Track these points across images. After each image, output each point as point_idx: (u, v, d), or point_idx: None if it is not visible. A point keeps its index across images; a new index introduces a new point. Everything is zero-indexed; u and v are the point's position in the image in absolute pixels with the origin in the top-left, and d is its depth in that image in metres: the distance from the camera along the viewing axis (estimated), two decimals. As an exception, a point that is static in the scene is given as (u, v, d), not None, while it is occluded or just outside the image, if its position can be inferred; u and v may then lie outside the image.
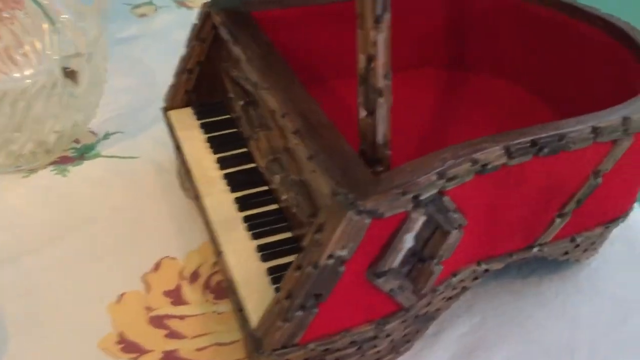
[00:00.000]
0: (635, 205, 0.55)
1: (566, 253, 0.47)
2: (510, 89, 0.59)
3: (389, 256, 0.36)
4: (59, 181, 0.58)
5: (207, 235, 0.46)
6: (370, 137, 0.37)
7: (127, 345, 0.44)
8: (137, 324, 0.45)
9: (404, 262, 0.37)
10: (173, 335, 0.44)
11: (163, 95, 0.57)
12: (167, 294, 0.47)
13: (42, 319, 0.46)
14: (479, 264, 0.43)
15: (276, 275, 0.41)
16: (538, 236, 0.44)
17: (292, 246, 0.43)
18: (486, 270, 0.44)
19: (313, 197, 0.40)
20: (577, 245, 0.46)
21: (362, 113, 0.37)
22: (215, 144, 0.52)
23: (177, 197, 0.56)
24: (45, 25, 0.57)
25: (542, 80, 0.57)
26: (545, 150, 0.38)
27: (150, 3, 0.91)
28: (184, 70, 0.55)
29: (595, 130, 0.39)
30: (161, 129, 0.57)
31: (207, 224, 0.46)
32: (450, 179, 0.36)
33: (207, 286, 0.48)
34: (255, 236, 0.44)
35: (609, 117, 0.40)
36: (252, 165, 0.50)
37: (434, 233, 0.38)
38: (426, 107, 0.58)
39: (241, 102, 0.52)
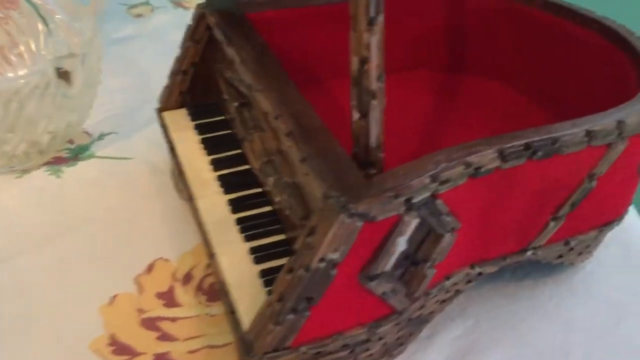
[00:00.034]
0: (630, 208, 0.55)
1: (560, 256, 0.47)
2: (505, 91, 0.58)
3: (381, 259, 0.35)
4: (53, 182, 0.57)
5: (200, 236, 0.46)
6: (363, 139, 0.37)
7: (118, 347, 0.43)
8: (129, 325, 0.45)
9: (396, 265, 0.37)
10: (165, 337, 0.44)
11: (158, 96, 0.57)
12: (160, 295, 0.47)
13: (33, 320, 0.45)
14: (472, 267, 0.43)
15: (269, 277, 0.40)
16: (532, 239, 0.44)
17: (285, 248, 0.43)
18: (480, 274, 0.44)
19: (306, 200, 0.40)
20: (572, 249, 0.46)
21: (355, 115, 0.37)
22: (209, 146, 0.52)
23: (172, 198, 0.56)
24: (41, 26, 0.57)
25: (537, 83, 0.57)
26: (539, 153, 0.38)
27: (147, 3, 0.91)
28: (178, 71, 0.55)
29: (590, 134, 0.39)
30: (156, 129, 0.57)
31: (200, 225, 0.46)
32: (443, 182, 0.36)
33: (200, 288, 0.48)
34: (248, 238, 0.44)
35: (603, 121, 0.40)
36: (246, 167, 0.50)
37: (427, 236, 0.38)
38: (421, 109, 0.57)
39: (235, 104, 0.51)
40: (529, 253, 0.44)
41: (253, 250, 0.43)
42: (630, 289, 0.49)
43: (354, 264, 0.35)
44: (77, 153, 0.61)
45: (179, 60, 0.55)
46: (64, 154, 0.61)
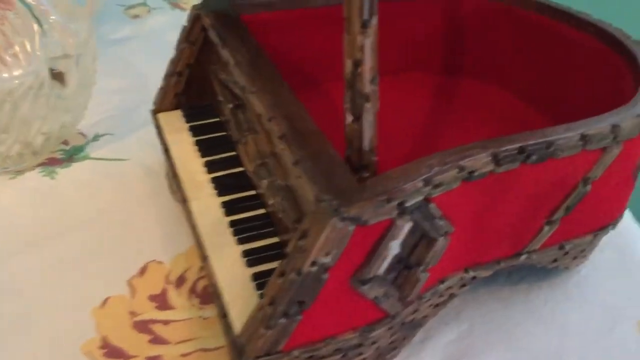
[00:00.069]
0: (626, 212, 0.55)
1: (555, 260, 0.46)
2: (502, 94, 0.58)
3: (373, 263, 0.35)
4: (47, 183, 0.57)
5: (194, 239, 0.46)
6: (356, 142, 0.37)
7: (110, 350, 0.43)
8: (121, 328, 0.45)
9: (389, 269, 0.37)
10: (157, 340, 0.44)
11: (154, 97, 0.57)
12: (153, 298, 0.47)
13: (25, 322, 0.45)
14: (466, 271, 0.43)
15: (261, 281, 0.40)
16: (526, 243, 0.43)
17: (278, 251, 0.43)
18: (474, 278, 0.43)
19: (299, 203, 0.40)
20: (566, 253, 0.46)
21: (349, 118, 0.37)
22: (204, 147, 0.52)
23: (166, 200, 0.55)
24: (36, 26, 0.56)
25: (534, 85, 0.56)
26: (533, 157, 0.38)
27: (144, 4, 0.91)
28: (173, 72, 0.55)
29: (584, 138, 0.39)
30: (151, 131, 0.57)
31: (194, 228, 0.46)
32: (436, 186, 0.35)
33: (193, 291, 0.47)
34: (242, 241, 0.43)
35: (598, 125, 0.40)
36: (241, 169, 0.50)
37: (420, 240, 0.38)
38: (417, 111, 0.57)
39: (230, 106, 0.51)
40: (523, 257, 0.44)
41: (246, 253, 0.42)
42: (625, 293, 0.49)
43: (346, 268, 0.35)
44: (72, 154, 0.61)
45: (174, 62, 0.55)
46: (59, 155, 0.60)
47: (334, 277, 0.34)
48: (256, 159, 0.47)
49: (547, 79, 0.55)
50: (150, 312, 0.46)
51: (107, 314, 0.46)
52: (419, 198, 0.35)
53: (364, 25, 0.34)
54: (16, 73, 0.59)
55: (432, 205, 0.36)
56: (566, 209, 0.42)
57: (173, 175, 0.51)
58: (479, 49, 0.60)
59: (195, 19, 0.53)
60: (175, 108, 0.57)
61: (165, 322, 0.45)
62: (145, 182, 0.58)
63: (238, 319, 0.38)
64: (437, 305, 0.43)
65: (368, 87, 0.36)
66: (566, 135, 0.39)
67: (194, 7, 0.54)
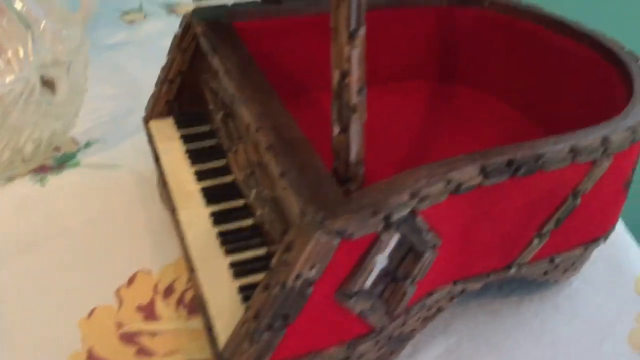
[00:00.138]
0: (619, 225, 0.55)
1: (546, 273, 0.46)
2: (496, 103, 0.58)
3: (359, 277, 0.35)
4: (37, 190, 0.57)
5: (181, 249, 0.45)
6: (343, 154, 0.36)
7: (96, 362, 0.43)
8: (107, 340, 0.44)
9: (376, 283, 0.37)
10: (143, 352, 0.44)
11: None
12: (140, 309, 0.46)
13: (10, 332, 0.45)
14: (455, 284, 0.42)
15: (248, 293, 0.40)
16: (516, 256, 0.43)
17: (266, 263, 0.42)
18: (463, 291, 0.43)
19: (285, 215, 0.40)
20: (557, 266, 0.46)
21: (336, 130, 0.36)
22: (194, 156, 0.51)
23: (157, 209, 0.55)
24: (28, 33, 0.56)
25: (528, 95, 0.56)
26: (522, 170, 0.38)
27: (140, 10, 0.90)
28: (164, 80, 0.55)
29: (574, 151, 0.39)
30: (144, 138, 0.57)
31: (182, 238, 0.45)
32: (423, 199, 0.35)
33: (180, 301, 0.47)
34: (229, 252, 0.43)
35: (588, 137, 0.39)
36: (231, 178, 0.49)
37: (407, 253, 0.37)
38: (412, 119, 0.57)
39: (220, 114, 0.51)
40: (513, 270, 0.44)
41: (233, 265, 0.42)
42: (615, 307, 0.48)
43: (330, 282, 0.34)
44: (63, 161, 0.60)
45: (165, 69, 0.55)
46: (50, 162, 0.60)
47: (319, 291, 0.34)
48: (246, 169, 0.47)
49: (541, 88, 0.55)
50: (137, 323, 0.45)
51: (94, 325, 0.45)
52: (406, 211, 0.34)
53: (351, 36, 0.34)
54: (8, 79, 0.59)
55: (419, 219, 0.36)
56: (556, 222, 0.42)
57: (163, 184, 0.51)
58: (473, 58, 0.59)
59: (186, 26, 0.53)
60: (167, 115, 0.56)
61: (152, 334, 0.45)
62: (136, 190, 0.57)
63: (223, 332, 0.37)
64: (425, 318, 0.43)
65: (355, 98, 0.35)
66: (555, 148, 0.38)
67: (186, 14, 0.53)
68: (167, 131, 0.55)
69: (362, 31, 0.34)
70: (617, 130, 0.40)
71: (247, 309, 0.35)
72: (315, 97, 0.57)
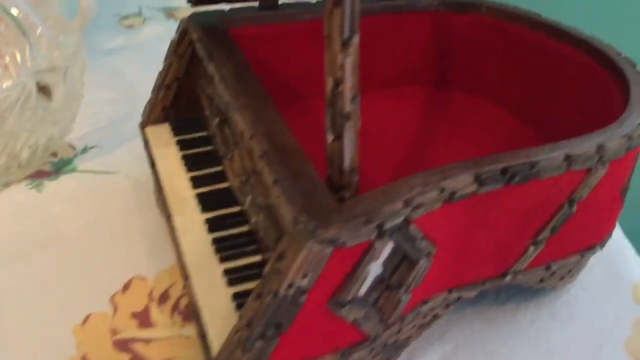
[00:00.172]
0: (618, 231, 0.55)
1: (542, 281, 0.46)
2: (493, 108, 0.58)
3: (352, 286, 0.35)
4: (34, 196, 0.57)
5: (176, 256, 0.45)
6: (337, 162, 0.36)
7: (90, 369, 0.43)
8: (102, 347, 0.44)
9: (370, 290, 0.37)
10: (137, 359, 0.43)
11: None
12: (135, 315, 0.46)
13: (4, 338, 0.45)
14: (450, 291, 0.42)
15: (242, 301, 0.40)
16: (511, 264, 0.43)
17: (260, 270, 0.42)
18: (458, 298, 0.43)
19: (279, 222, 0.39)
20: (553, 273, 0.46)
21: (329, 137, 0.36)
22: (190, 162, 0.51)
23: (153, 215, 0.55)
24: (23, 39, 0.56)
25: (524, 100, 0.56)
26: (517, 178, 0.37)
27: (139, 14, 0.90)
28: (161, 85, 0.55)
29: (569, 158, 0.39)
30: (141, 143, 0.56)
31: (176, 245, 0.45)
32: (416, 207, 0.35)
33: (175, 308, 0.47)
34: (223, 259, 0.43)
35: (583, 145, 0.39)
36: (226, 185, 0.49)
37: (402, 261, 0.37)
38: (408, 125, 0.57)
39: (216, 120, 0.51)
40: (508, 277, 0.44)
41: (227, 272, 0.42)
42: (612, 314, 0.48)
43: (323, 291, 0.34)
44: (60, 167, 0.60)
45: (162, 75, 0.55)
46: (47, 168, 0.60)
47: (312, 300, 0.34)
48: (241, 175, 0.47)
49: (537, 94, 0.55)
50: (131, 330, 0.45)
51: (88, 332, 0.45)
52: (399, 219, 0.34)
53: (345, 43, 0.34)
54: (5, 85, 0.60)
55: (413, 227, 0.35)
56: (552, 230, 0.42)
57: (159, 190, 0.51)
58: (470, 64, 0.59)
59: (183, 32, 0.53)
60: (164, 121, 0.56)
61: (146, 341, 0.45)
62: (132, 196, 0.57)
63: (217, 340, 0.37)
64: (420, 326, 0.43)
65: (349, 106, 0.35)
66: (550, 155, 0.38)
67: (183, 20, 0.53)
68: (163, 137, 0.55)
69: (356, 39, 0.34)
70: (612, 137, 0.40)
71: (240, 317, 0.35)
72: (311, 103, 0.57)
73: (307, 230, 0.33)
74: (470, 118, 0.58)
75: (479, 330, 0.46)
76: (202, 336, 0.39)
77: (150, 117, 0.56)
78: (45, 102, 0.53)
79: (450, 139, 0.56)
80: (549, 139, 0.40)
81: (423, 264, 0.37)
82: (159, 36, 0.84)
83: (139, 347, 0.44)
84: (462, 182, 0.36)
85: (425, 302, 0.41)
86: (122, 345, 0.44)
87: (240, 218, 0.46)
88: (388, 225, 0.34)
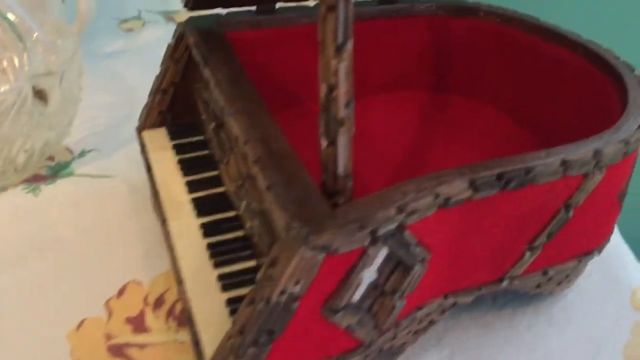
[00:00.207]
0: (617, 236, 0.54)
1: (539, 286, 0.46)
2: (491, 112, 0.58)
3: (345, 292, 0.34)
4: (30, 200, 0.57)
5: (171, 261, 0.45)
6: (331, 167, 0.36)
7: (83, 375, 0.43)
8: (96, 352, 0.44)
9: (365, 296, 0.36)
10: (132, 364, 0.43)
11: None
12: (129, 320, 0.46)
13: (-1, 343, 0.45)
14: (445, 297, 0.42)
15: (235, 306, 0.39)
16: (508, 269, 0.43)
17: (254, 276, 0.42)
18: (454, 304, 0.43)
19: (273, 228, 0.39)
20: (550, 279, 0.45)
21: (324, 143, 0.36)
22: (186, 167, 0.51)
23: (150, 219, 0.55)
24: (19, 43, 0.56)
25: (523, 104, 0.56)
26: (512, 184, 0.37)
27: (139, 17, 0.90)
28: (157, 90, 0.55)
29: (565, 164, 0.38)
30: (139, 147, 0.56)
31: (171, 249, 0.45)
32: (410, 213, 0.35)
33: (170, 313, 0.47)
34: (218, 264, 0.43)
35: (580, 151, 0.39)
36: (222, 189, 0.49)
37: (396, 267, 0.37)
38: (407, 129, 0.57)
39: (212, 125, 0.51)
40: (505, 283, 0.43)
41: (221, 277, 0.42)
42: (610, 319, 0.48)
43: (316, 297, 0.34)
44: (57, 171, 0.60)
45: (159, 79, 0.55)
46: (44, 172, 0.60)
47: (305, 306, 0.34)
48: (237, 180, 0.47)
49: (535, 98, 0.55)
50: (125, 335, 0.45)
51: (82, 337, 0.45)
52: (393, 226, 0.34)
53: (338, 49, 0.34)
54: (2, 89, 0.60)
55: (407, 233, 0.35)
56: (548, 235, 0.41)
57: (154, 195, 0.50)
58: (468, 68, 0.59)
59: (180, 36, 0.53)
60: (160, 125, 0.56)
61: (141, 346, 0.44)
62: (129, 200, 0.57)
63: (209, 346, 0.37)
64: (416, 332, 0.42)
65: (343, 112, 0.35)
66: (546, 161, 0.38)
67: (179, 24, 0.53)
68: (159, 141, 0.55)
69: (350, 44, 0.34)
70: (609, 143, 0.40)
71: (233, 323, 0.35)
72: (310, 107, 0.56)
73: (300, 236, 0.32)
74: (469, 122, 0.57)
75: (476, 336, 0.46)
76: (196, 342, 0.38)
77: (147, 122, 0.56)
78: (41, 107, 0.53)
79: (448, 142, 0.55)
80: (548, 143, 0.40)
81: (418, 269, 0.37)
82: (159, 40, 0.84)
83: (133, 353, 0.44)
84: (456, 188, 0.36)
85: (420, 308, 0.41)
86: (117, 350, 0.44)
87: (235, 223, 0.46)
88: (382, 231, 0.34)
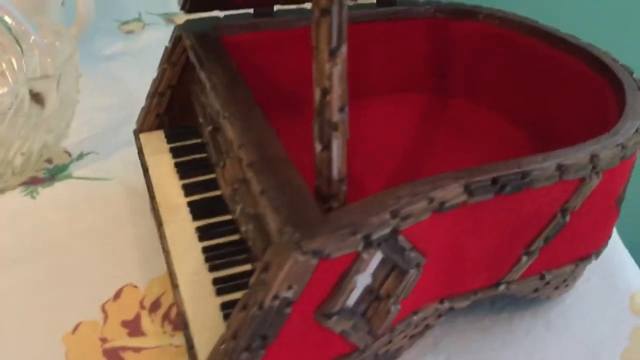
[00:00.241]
0: (616, 240, 0.54)
1: (536, 290, 0.45)
2: (491, 115, 0.58)
3: (338, 297, 0.34)
4: (27, 203, 0.57)
5: (166, 265, 0.45)
6: (325, 172, 0.36)
7: (78, 378, 0.43)
8: (91, 356, 0.44)
9: (359, 301, 0.36)
10: (126, 368, 0.43)
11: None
12: (125, 324, 0.46)
13: (-6, 347, 0.45)
14: (442, 302, 0.41)
15: (230, 311, 0.39)
16: (504, 274, 0.42)
17: (248, 280, 0.42)
18: (451, 309, 0.42)
19: (266, 232, 0.39)
20: (548, 283, 0.45)
21: (317, 147, 0.36)
22: (183, 170, 0.51)
23: (147, 222, 0.55)
24: (16, 46, 0.56)
25: (522, 108, 0.56)
26: (507, 188, 0.37)
27: (139, 20, 0.90)
28: (154, 93, 0.55)
29: (561, 168, 0.38)
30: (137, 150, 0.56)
31: (167, 253, 0.45)
32: (404, 218, 0.34)
33: (166, 317, 0.47)
34: (213, 268, 0.43)
35: (576, 155, 0.39)
36: (218, 193, 0.49)
37: (391, 271, 0.37)
38: (406, 132, 0.57)
39: (209, 128, 0.51)
40: (502, 287, 0.43)
41: (216, 281, 0.41)
42: (608, 324, 0.47)
43: (310, 302, 0.34)
44: (55, 173, 0.60)
45: (156, 82, 0.54)
46: (42, 174, 0.60)
47: (298, 311, 0.34)
48: (233, 183, 0.47)
49: (534, 100, 0.55)
50: (121, 339, 0.45)
51: (78, 340, 0.45)
52: (386, 230, 0.34)
53: (332, 53, 0.33)
54: (1, 91, 0.59)
55: (401, 238, 0.35)
56: (545, 240, 0.41)
57: (151, 198, 0.50)
58: (467, 70, 0.59)
59: (177, 39, 0.53)
60: (158, 128, 0.56)
61: (137, 349, 0.44)
62: (126, 203, 0.57)
63: (203, 350, 0.37)
64: (412, 336, 0.42)
65: (336, 116, 0.35)
66: (542, 165, 0.38)
67: (176, 27, 0.53)
68: (156, 144, 0.55)
69: (343, 49, 0.34)
70: (606, 147, 0.39)
71: (226, 327, 0.35)
72: (307, 110, 0.56)
73: (292, 241, 0.32)
74: (468, 125, 0.57)
75: (473, 340, 0.46)
76: (190, 346, 0.38)
77: (144, 124, 0.56)
78: (38, 109, 0.53)
79: (447, 145, 0.55)
80: (546, 146, 0.40)
81: (413, 274, 0.37)
82: (159, 42, 0.83)
83: (128, 356, 0.44)
84: (451, 192, 0.36)
85: (416, 313, 0.40)
86: (112, 353, 0.44)
87: (231, 226, 0.46)
88: (375, 236, 0.33)
